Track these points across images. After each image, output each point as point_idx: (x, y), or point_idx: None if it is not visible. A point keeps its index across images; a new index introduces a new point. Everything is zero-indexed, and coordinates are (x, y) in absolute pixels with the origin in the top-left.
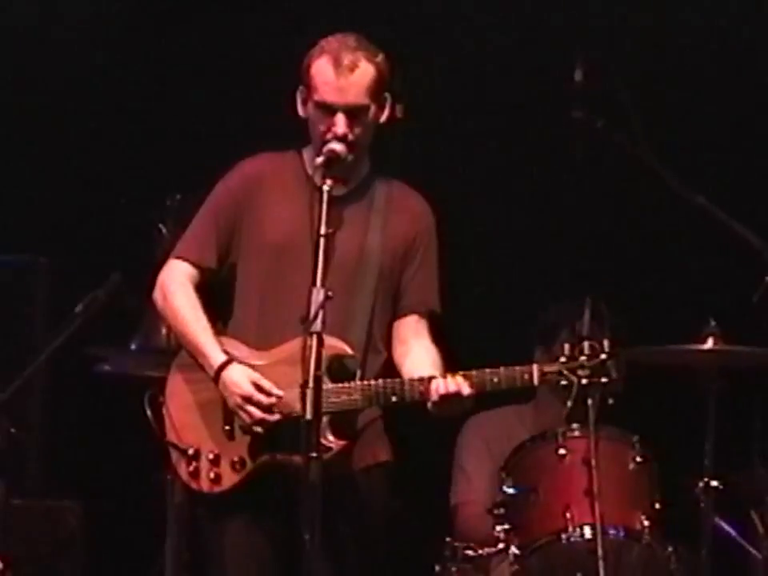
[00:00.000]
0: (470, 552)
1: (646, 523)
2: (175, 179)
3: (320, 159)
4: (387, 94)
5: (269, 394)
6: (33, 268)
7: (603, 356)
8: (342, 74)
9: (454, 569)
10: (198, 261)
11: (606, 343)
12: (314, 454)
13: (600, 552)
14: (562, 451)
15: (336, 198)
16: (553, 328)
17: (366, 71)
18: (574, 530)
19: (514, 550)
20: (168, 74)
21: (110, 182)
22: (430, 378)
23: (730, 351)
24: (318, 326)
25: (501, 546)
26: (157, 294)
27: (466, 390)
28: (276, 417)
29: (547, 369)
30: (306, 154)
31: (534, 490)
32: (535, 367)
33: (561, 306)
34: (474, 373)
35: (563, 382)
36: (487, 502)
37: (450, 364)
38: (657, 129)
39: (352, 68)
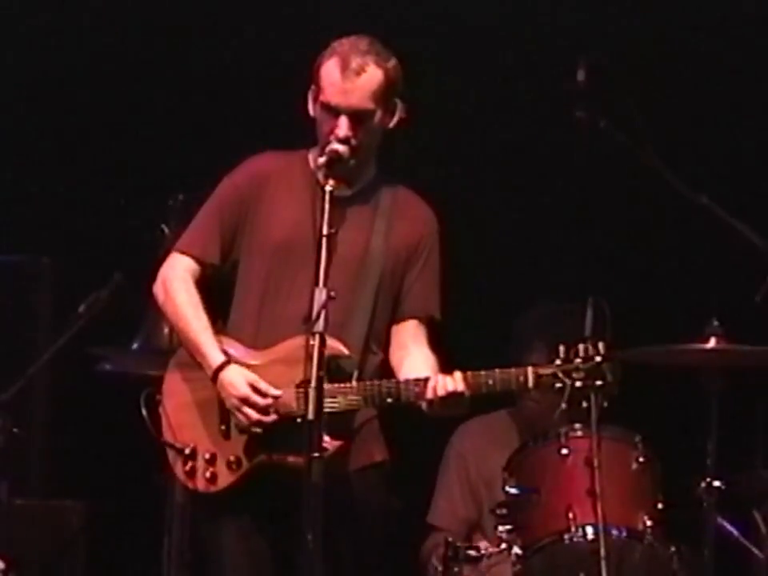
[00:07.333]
0: (471, 552)
1: (649, 523)
2: (178, 179)
3: (322, 159)
4: (397, 100)
5: (265, 396)
6: (35, 268)
7: (598, 359)
8: (348, 77)
9: (455, 569)
10: (201, 256)
11: (601, 346)
12: (316, 454)
13: (602, 552)
14: (564, 451)
15: (340, 199)
16: (526, 341)
17: (373, 76)
18: (577, 530)
19: (516, 550)
20: (171, 74)
21: (112, 182)
22: (426, 379)
23: (732, 351)
24: (320, 326)
25: (503, 546)
26: (158, 289)
27: (461, 387)
28: (272, 418)
29: (542, 371)
30: (313, 153)
31: (537, 490)
32: (530, 370)
33: (528, 318)
34: (469, 374)
35: (558, 385)
36: (452, 530)
37: (447, 370)
38: (659, 128)
39: (359, 72)
